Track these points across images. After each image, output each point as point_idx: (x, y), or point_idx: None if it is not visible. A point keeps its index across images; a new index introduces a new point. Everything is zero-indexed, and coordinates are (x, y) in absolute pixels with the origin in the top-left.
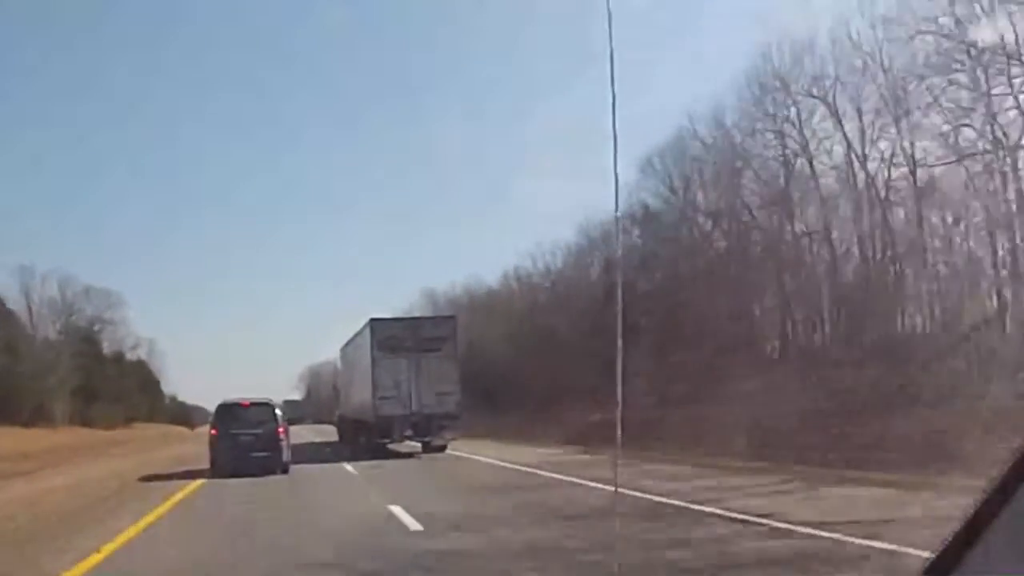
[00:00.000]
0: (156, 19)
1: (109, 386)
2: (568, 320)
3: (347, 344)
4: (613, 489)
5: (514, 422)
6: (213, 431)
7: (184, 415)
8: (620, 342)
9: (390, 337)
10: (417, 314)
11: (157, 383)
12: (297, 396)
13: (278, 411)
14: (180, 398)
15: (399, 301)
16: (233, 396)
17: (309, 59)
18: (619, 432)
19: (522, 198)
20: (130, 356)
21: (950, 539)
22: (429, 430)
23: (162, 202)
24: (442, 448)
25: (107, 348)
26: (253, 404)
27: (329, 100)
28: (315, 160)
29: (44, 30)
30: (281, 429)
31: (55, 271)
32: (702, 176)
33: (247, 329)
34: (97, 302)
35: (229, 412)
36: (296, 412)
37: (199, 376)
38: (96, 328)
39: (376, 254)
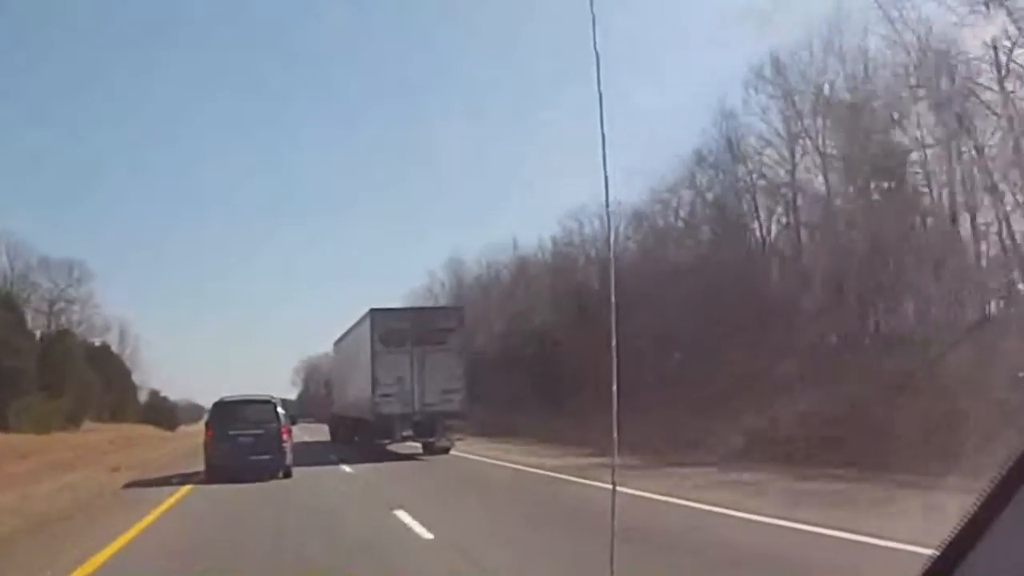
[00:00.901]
0: (156, 19)
1: (47, 374)
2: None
3: (343, 337)
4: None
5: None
6: (208, 432)
7: (166, 413)
8: (615, 341)
9: (392, 329)
10: (441, 285)
11: (128, 374)
12: (293, 394)
13: (280, 409)
14: (163, 393)
15: (416, 280)
16: (227, 392)
17: (309, 59)
18: (615, 433)
19: (528, 195)
20: (96, 341)
21: (951, 539)
22: (432, 430)
23: (160, 200)
24: (446, 450)
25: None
26: (253, 402)
27: (329, 100)
28: (315, 160)
29: (44, 29)
30: (284, 429)
31: (4, 235)
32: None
33: (244, 327)
34: (57, 276)
35: (226, 411)
36: (292, 411)
37: (193, 373)
38: (56, 307)
39: (376, 254)
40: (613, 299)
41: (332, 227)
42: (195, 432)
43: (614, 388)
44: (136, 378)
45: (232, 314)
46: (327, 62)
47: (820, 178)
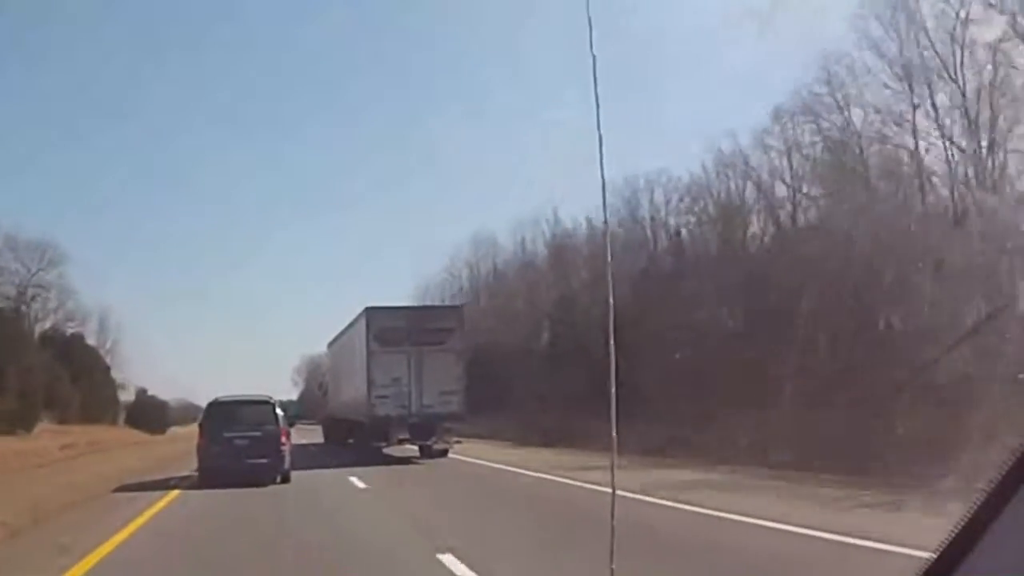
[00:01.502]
0: (156, 18)
1: None
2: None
3: (339, 336)
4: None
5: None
6: (202, 433)
7: (155, 414)
8: (612, 345)
9: (388, 328)
10: (467, 267)
11: (107, 369)
12: (294, 394)
13: (278, 410)
14: (153, 392)
15: (416, 280)
16: (226, 392)
17: (309, 59)
18: (614, 432)
19: (529, 193)
20: (68, 331)
21: (950, 540)
22: (430, 432)
23: (159, 198)
24: (443, 452)
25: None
26: (250, 402)
27: (329, 99)
28: (316, 158)
29: (44, 28)
30: (283, 432)
31: None
32: None
33: (244, 325)
34: (28, 259)
35: (222, 411)
36: (292, 412)
37: (193, 373)
38: (28, 293)
39: (377, 252)
40: (611, 300)
41: (333, 225)
42: (186, 435)
43: (612, 390)
44: (120, 375)
45: (232, 312)
46: (327, 62)
47: (958, 120)
